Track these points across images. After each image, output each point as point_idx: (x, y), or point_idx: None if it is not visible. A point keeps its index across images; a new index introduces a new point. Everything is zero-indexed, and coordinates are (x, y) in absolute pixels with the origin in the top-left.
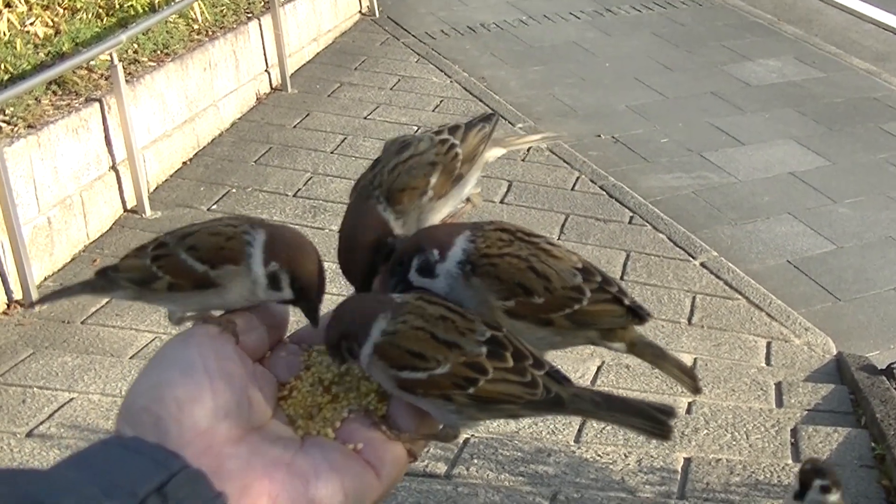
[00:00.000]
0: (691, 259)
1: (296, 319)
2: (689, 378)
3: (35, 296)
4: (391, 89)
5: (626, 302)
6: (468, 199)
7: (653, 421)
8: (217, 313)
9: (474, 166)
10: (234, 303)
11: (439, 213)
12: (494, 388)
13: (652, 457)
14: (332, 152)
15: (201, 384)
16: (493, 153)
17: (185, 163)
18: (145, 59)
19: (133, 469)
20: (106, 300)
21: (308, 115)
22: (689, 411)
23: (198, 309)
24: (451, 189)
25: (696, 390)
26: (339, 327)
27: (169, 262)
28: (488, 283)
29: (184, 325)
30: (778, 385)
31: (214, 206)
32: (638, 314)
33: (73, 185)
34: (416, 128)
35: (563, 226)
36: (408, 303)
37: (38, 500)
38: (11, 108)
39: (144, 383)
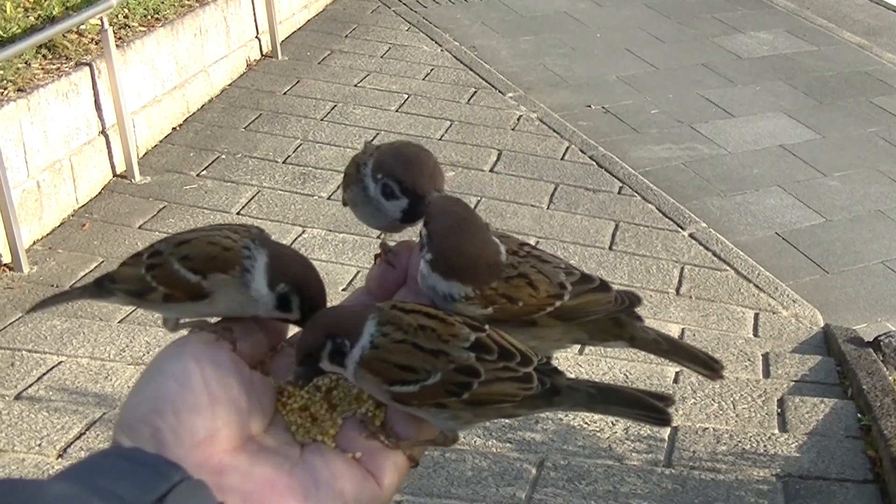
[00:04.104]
0: (680, 230)
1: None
2: (705, 367)
3: (24, 260)
4: (382, 57)
5: (612, 290)
6: None
7: (650, 410)
8: (213, 319)
9: None
10: (225, 312)
11: None
12: (488, 390)
13: (639, 425)
14: (322, 119)
15: (198, 394)
16: None
17: (174, 128)
18: (136, 24)
19: (134, 480)
20: (96, 264)
21: (298, 82)
22: (676, 381)
23: (194, 317)
24: None
25: (717, 376)
26: (323, 329)
27: (163, 273)
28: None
29: (179, 332)
30: (765, 356)
31: (204, 172)
32: (630, 301)
33: (63, 149)
34: (406, 96)
35: (552, 195)
36: (383, 310)
37: None
38: (1, 72)
39: (141, 394)
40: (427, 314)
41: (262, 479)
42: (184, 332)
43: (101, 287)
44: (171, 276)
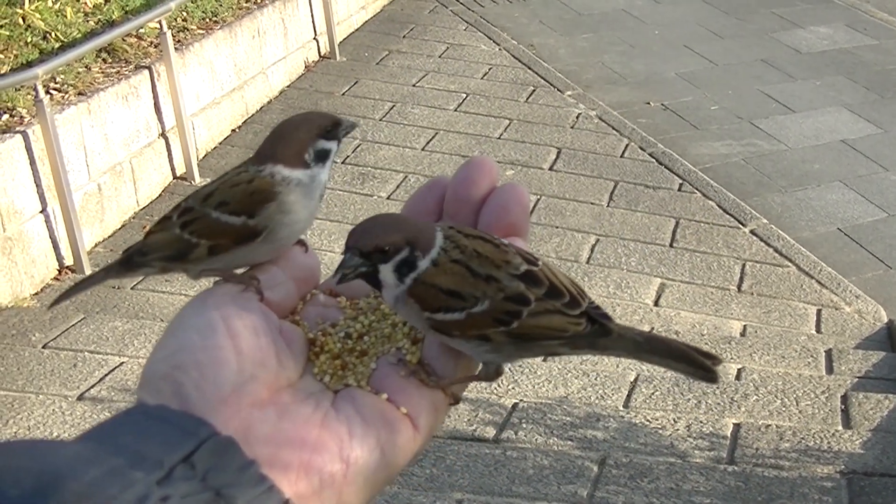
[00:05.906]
0: (741, 226)
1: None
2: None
3: (86, 262)
4: (440, 57)
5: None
6: None
7: (697, 366)
8: (240, 271)
9: None
10: (280, 244)
11: None
12: (537, 323)
13: (701, 422)
14: (380, 119)
15: (223, 347)
16: None
17: (234, 130)
18: (194, 27)
19: (159, 438)
20: None
21: (356, 82)
22: (738, 377)
23: (242, 264)
24: None
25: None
26: (405, 232)
27: (202, 226)
28: None
29: (201, 281)
30: (828, 352)
31: None
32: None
33: (123, 151)
34: (464, 95)
35: (612, 193)
36: (444, 227)
37: (62, 472)
38: (62, 76)
39: (163, 350)
40: (483, 239)
41: (291, 432)
42: (205, 281)
43: (130, 262)
44: (212, 226)
